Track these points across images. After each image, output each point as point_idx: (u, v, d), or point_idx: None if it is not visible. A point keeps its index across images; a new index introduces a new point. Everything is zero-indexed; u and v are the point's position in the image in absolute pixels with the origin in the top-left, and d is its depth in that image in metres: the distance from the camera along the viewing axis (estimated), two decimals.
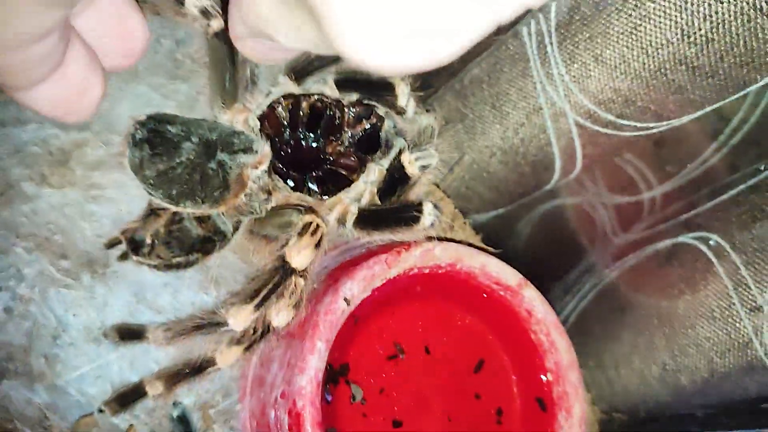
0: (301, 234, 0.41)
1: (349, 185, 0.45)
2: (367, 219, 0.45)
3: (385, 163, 0.47)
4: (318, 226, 0.41)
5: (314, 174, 0.45)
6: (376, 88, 0.46)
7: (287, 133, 0.45)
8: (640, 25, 0.43)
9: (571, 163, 0.53)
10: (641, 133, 0.49)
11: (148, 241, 0.41)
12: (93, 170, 0.45)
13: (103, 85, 0.33)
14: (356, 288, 0.43)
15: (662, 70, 0.44)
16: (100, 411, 0.41)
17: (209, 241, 0.43)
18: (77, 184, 0.44)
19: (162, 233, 0.42)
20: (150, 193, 0.40)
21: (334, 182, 0.45)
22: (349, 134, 0.46)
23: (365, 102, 0.46)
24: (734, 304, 0.48)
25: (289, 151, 0.45)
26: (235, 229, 0.44)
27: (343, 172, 0.45)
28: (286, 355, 0.43)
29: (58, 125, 0.44)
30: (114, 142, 0.46)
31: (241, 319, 0.39)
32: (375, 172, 0.46)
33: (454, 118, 0.56)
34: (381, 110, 0.46)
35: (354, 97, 0.46)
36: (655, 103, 0.46)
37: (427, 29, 0.19)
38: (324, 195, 0.45)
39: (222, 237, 0.44)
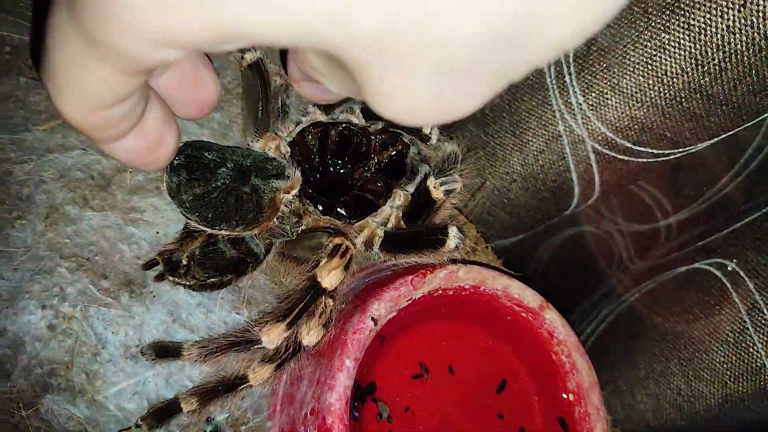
0: (331, 255, 0.42)
1: (375, 209, 0.47)
2: (394, 242, 0.47)
3: (411, 188, 0.48)
4: (347, 248, 0.43)
5: (342, 199, 0.47)
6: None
7: (317, 159, 0.47)
8: (656, 55, 0.44)
9: (590, 189, 0.54)
10: (658, 159, 0.50)
11: (184, 262, 0.43)
12: (132, 194, 0.47)
13: (177, 138, 0.35)
14: (383, 308, 0.44)
15: (677, 99, 0.45)
16: (137, 426, 0.42)
17: (242, 263, 0.45)
18: (117, 208, 0.46)
19: (197, 254, 0.43)
20: (187, 216, 0.42)
21: (362, 207, 0.47)
22: (376, 160, 0.48)
23: (391, 130, 0.48)
24: (748, 329, 0.48)
25: (319, 176, 0.47)
26: (267, 251, 0.46)
27: (370, 197, 0.47)
28: (316, 373, 0.44)
29: (101, 151, 0.47)
30: None
31: (273, 336, 0.41)
32: (401, 196, 0.48)
33: (475, 145, 0.58)
34: (406, 137, 0.48)
35: (380, 125, 0.48)
36: (671, 131, 0.47)
37: (451, 98, 0.23)
38: (352, 219, 0.46)
39: (254, 258, 0.45)
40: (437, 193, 0.46)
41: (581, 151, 0.51)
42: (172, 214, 0.47)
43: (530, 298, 0.49)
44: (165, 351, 0.44)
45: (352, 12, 0.20)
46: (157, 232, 0.47)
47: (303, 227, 0.46)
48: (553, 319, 0.49)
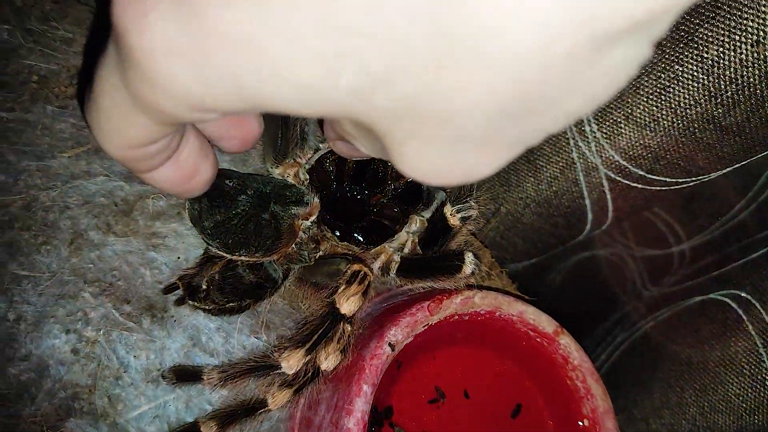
0: (349, 282, 0.43)
1: (392, 235, 0.48)
2: (410, 267, 0.47)
3: (426, 214, 0.49)
4: (365, 274, 0.43)
5: (359, 224, 0.47)
6: None
7: (334, 186, 0.48)
8: (669, 86, 0.45)
9: (603, 215, 0.55)
10: (671, 187, 0.50)
11: (204, 286, 0.44)
12: (154, 220, 0.48)
13: (213, 167, 0.37)
14: (400, 334, 0.44)
15: (691, 129, 0.46)
16: None
17: (261, 288, 0.46)
18: (139, 233, 0.47)
19: (217, 279, 0.44)
20: (207, 243, 0.43)
21: (378, 232, 0.47)
22: (392, 187, 0.48)
23: None
24: (764, 361, 0.48)
25: (336, 203, 0.48)
26: (285, 276, 0.47)
27: (387, 223, 0.48)
28: (333, 397, 0.45)
29: (124, 178, 0.48)
30: None
31: (293, 362, 0.41)
32: (417, 222, 0.49)
33: None
34: None
35: None
36: (684, 160, 0.48)
37: (471, 163, 0.25)
38: (369, 245, 0.47)
39: (273, 284, 0.46)
40: (454, 221, 0.47)
41: (595, 178, 0.52)
42: (192, 239, 0.48)
43: (545, 323, 0.49)
44: (186, 375, 0.45)
45: (375, 89, 0.21)
46: (178, 258, 0.48)
47: (321, 253, 0.47)
48: (567, 344, 0.50)
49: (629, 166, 0.50)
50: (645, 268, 0.62)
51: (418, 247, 0.49)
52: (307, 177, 0.47)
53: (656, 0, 0.19)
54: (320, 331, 0.42)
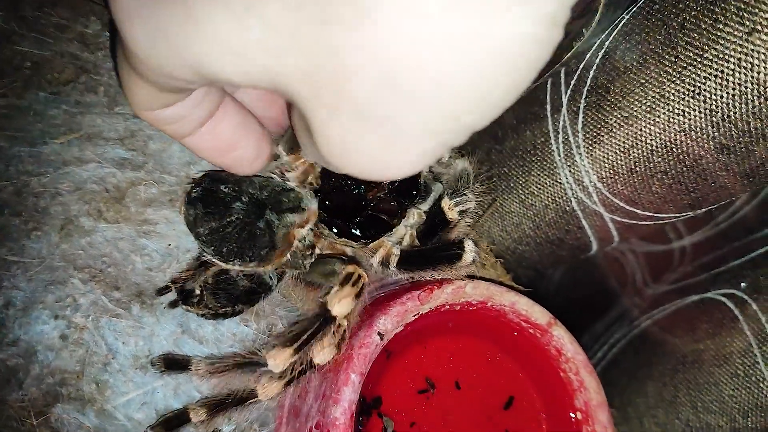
0: (343, 284, 0.42)
1: (390, 229, 0.47)
2: (411, 260, 0.46)
3: (424, 207, 0.48)
4: (360, 276, 0.43)
5: (357, 220, 0.47)
6: None
7: (331, 181, 0.47)
8: (676, 139, 0.44)
9: (608, 242, 0.54)
10: (679, 218, 0.49)
11: (197, 291, 0.43)
12: (145, 207, 0.48)
13: (256, 147, 0.39)
14: (390, 323, 0.44)
15: (702, 176, 0.44)
16: None
17: (254, 293, 0.45)
18: (131, 220, 0.47)
19: (210, 284, 0.44)
20: (203, 249, 0.42)
21: (376, 227, 0.47)
22: (389, 181, 0.48)
23: None
24: (758, 363, 0.47)
25: (333, 198, 0.47)
26: (279, 279, 0.46)
27: (384, 217, 0.47)
28: (322, 386, 0.44)
29: (115, 164, 0.48)
30: (166, 181, 0.49)
31: (279, 361, 0.41)
32: (414, 215, 0.48)
33: (487, 165, 0.58)
34: None
35: None
36: (692, 201, 0.47)
37: (378, 147, 0.26)
38: (367, 239, 0.47)
39: (267, 289, 0.45)
40: (452, 214, 0.46)
41: (597, 221, 0.52)
42: (184, 226, 0.47)
43: (538, 314, 0.49)
44: (174, 363, 0.45)
45: (281, 46, 0.23)
46: (169, 244, 0.48)
47: (318, 251, 0.46)
48: (561, 335, 0.49)
49: (636, 211, 0.49)
50: (645, 264, 0.61)
51: (416, 240, 0.48)
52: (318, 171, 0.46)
53: None
54: (310, 331, 0.41)
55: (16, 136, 0.46)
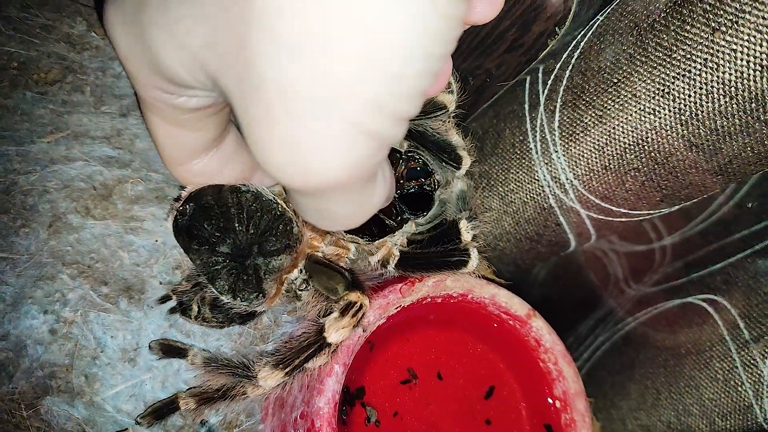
0: (343, 313, 0.42)
1: (393, 231, 0.47)
2: (411, 262, 0.47)
3: (421, 220, 0.48)
4: (360, 307, 0.43)
5: None
6: (444, 154, 0.49)
7: None
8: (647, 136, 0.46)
9: (585, 238, 0.56)
10: (654, 215, 0.51)
11: (195, 308, 0.45)
12: (133, 204, 0.48)
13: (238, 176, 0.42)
14: (372, 315, 0.45)
15: (674, 174, 0.46)
16: (137, 423, 0.44)
17: (251, 315, 0.46)
18: (118, 217, 0.48)
19: (208, 298, 0.44)
20: (199, 272, 0.42)
21: (380, 227, 0.47)
22: (401, 189, 0.47)
23: (412, 151, 0.48)
24: (737, 367, 0.49)
25: None
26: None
27: (387, 222, 0.47)
28: (306, 377, 0.45)
29: (103, 163, 0.49)
30: (152, 178, 0.49)
31: (271, 382, 0.41)
32: (412, 225, 0.48)
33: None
34: (439, 176, 0.48)
35: (405, 144, 0.48)
36: (667, 197, 0.48)
37: (301, 148, 0.26)
38: (372, 237, 0.47)
39: (262, 309, 0.46)
40: (467, 236, 0.46)
41: (574, 217, 0.53)
42: (170, 224, 0.49)
43: (517, 306, 0.50)
44: (172, 350, 0.46)
45: (216, 41, 0.26)
46: (156, 240, 0.49)
47: (323, 250, 0.46)
48: (539, 327, 0.50)
49: (611, 208, 0.50)
50: (626, 264, 0.63)
51: (406, 245, 0.49)
52: None
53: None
54: (303, 356, 0.42)
55: (3, 136, 0.47)
